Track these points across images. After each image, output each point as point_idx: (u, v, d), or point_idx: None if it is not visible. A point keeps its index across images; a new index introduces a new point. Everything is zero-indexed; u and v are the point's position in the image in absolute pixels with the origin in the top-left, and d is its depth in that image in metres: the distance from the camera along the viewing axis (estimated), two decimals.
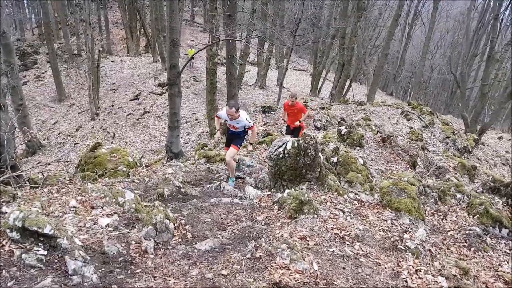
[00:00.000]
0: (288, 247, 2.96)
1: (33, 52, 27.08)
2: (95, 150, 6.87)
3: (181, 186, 4.85)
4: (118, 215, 3.66)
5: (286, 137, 4.96)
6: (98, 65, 21.96)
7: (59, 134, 19.89)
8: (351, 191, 4.82)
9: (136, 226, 3.47)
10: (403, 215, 4.20)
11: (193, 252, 3.10)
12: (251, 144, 6.55)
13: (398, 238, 3.66)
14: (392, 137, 10.19)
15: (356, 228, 3.67)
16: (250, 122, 5.51)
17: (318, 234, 3.37)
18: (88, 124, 20.20)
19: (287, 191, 4.17)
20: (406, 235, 3.77)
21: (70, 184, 5.45)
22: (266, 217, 3.92)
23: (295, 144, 4.50)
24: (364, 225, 3.82)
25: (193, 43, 32.46)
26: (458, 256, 3.79)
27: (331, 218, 3.75)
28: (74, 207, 3.85)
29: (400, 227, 4.01)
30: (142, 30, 30.84)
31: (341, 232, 3.51)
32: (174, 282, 2.65)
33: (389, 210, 4.31)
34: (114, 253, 2.96)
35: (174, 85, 10.62)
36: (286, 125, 8.10)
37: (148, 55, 29.98)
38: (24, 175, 5.08)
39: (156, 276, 2.75)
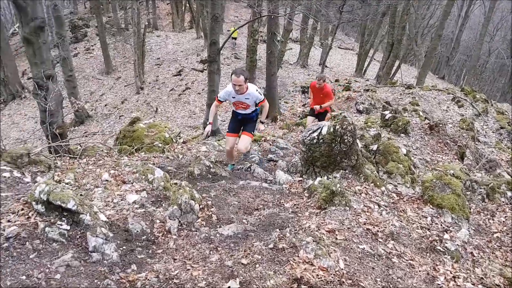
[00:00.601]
0: (313, 240, 2.79)
1: (83, 25, 28.08)
2: (134, 125, 7.00)
3: (211, 166, 4.79)
4: (147, 192, 3.66)
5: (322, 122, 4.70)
6: (143, 40, 22.37)
7: (105, 105, 20.70)
8: (390, 183, 4.51)
9: (163, 205, 3.45)
10: (445, 213, 3.86)
11: (216, 236, 3.03)
12: (262, 123, 5.27)
13: (437, 238, 3.37)
14: (440, 125, 9.49)
15: (392, 224, 3.42)
16: (261, 95, 4.59)
17: (348, 228, 3.17)
18: (133, 98, 20.81)
19: (318, 179, 3.97)
20: (446, 235, 3.46)
21: (106, 157, 5.60)
22: (295, 205, 3.76)
23: (331, 130, 4.25)
24: (401, 221, 3.56)
25: (236, 19, 32.10)
26: (503, 262, 3.44)
27: (365, 212, 3.51)
28: (106, 180, 3.91)
29: (441, 225, 3.69)
30: (187, 5, 30.88)
31: (374, 227, 3.28)
32: (192, 267, 2.59)
33: (430, 206, 3.98)
34: (137, 231, 2.96)
35: (213, 62, 10.55)
36: (310, 107, 7.45)
37: (192, 31, 30.09)
38: (63, 145, 5.25)
39: (176, 259, 2.71)
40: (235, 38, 24.76)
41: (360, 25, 25.57)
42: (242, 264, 2.58)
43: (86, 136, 15.15)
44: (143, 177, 3.78)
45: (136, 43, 21.08)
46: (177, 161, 5.54)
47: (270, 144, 7.06)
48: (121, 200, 3.38)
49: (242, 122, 4.93)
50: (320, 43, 25.83)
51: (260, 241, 2.88)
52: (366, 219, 3.38)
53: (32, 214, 2.52)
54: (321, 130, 4.34)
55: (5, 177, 3.21)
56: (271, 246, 2.77)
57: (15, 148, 3.82)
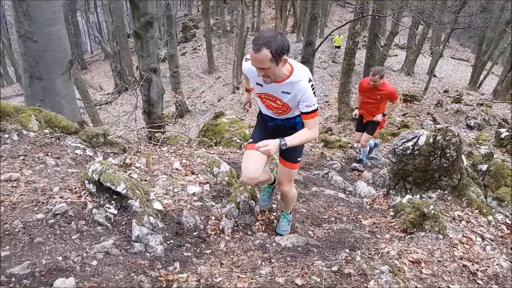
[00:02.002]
0: (390, 271, 2.21)
1: (193, 26, 30.22)
2: (217, 119, 7.02)
3: None
4: (210, 185, 3.45)
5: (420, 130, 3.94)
6: (244, 42, 23.04)
7: (204, 102, 21.87)
8: (500, 212, 3.57)
9: (223, 201, 3.19)
10: None
11: (272, 245, 2.63)
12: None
13: None
14: None
15: (497, 264, 2.61)
16: (312, 98, 2.23)
17: (438, 261, 2.48)
18: (228, 96, 21.58)
19: (408, 196, 3.29)
20: None
21: (186, 147, 5.63)
22: (374, 223, 3.16)
23: (431, 140, 3.51)
24: (510, 261, 2.71)
25: (341, 22, 31.15)
26: None
27: (463, 244, 2.75)
28: (176, 169, 3.82)
29: None
30: (292, 9, 31.03)
31: (473, 265, 2.53)
32: (239, 277, 2.24)
33: None
34: (190, 225, 2.73)
35: (307, 63, 10.16)
36: (358, 115, 5.46)
37: (294, 34, 30.11)
38: (146, 131, 5.40)
39: (223, 263, 2.40)
40: (338, 47, 23.64)
41: (478, 34, 22.48)
42: (296, 284, 2.15)
43: (183, 125, 16.10)
44: (209, 169, 3.58)
45: (238, 44, 21.83)
46: None
47: (357, 152, 6.38)
48: (182, 190, 3.21)
49: (274, 135, 2.50)
50: (430, 51, 23.47)
51: (322, 260, 2.40)
52: (463, 253, 2.64)
53: (84, 193, 2.45)
54: (418, 139, 3.62)
55: (76, 153, 3.28)
56: (334, 268, 2.27)
57: (93, 127, 3.96)
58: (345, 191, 4.19)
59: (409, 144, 3.68)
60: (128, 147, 4.12)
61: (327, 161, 5.59)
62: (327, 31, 28.48)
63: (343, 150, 6.50)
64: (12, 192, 2.61)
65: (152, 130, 5.85)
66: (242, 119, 7.06)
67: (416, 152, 3.59)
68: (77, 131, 3.74)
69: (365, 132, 5.40)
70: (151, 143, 5.50)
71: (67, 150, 3.46)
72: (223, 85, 23.43)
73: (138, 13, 7.38)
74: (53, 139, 3.54)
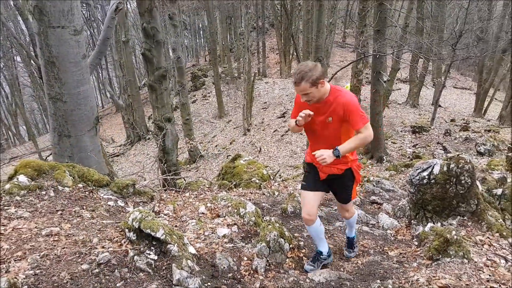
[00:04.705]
0: None
1: (202, 75, 31.50)
2: (235, 161, 7.24)
3: None
4: (238, 226, 3.59)
5: (433, 159, 4.09)
6: (252, 86, 23.88)
7: (216, 146, 22.30)
8: None
9: (252, 241, 3.32)
10: None
11: (305, 281, 2.74)
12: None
13: None
14: None
15: None
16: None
17: (466, 285, 2.55)
18: (240, 139, 22.01)
19: (429, 225, 3.39)
20: None
21: (208, 191, 5.82)
22: (400, 253, 3.25)
23: (444, 169, 3.66)
24: None
25: (342, 63, 32.17)
26: None
27: (488, 266, 2.82)
28: (202, 213, 3.99)
29: None
30: (295, 53, 32.32)
31: (500, 286, 2.59)
32: None
33: None
34: (224, 267, 2.86)
35: None
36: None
37: None
38: (169, 179, 5.64)
39: None
40: (347, 88, 24.15)
41: (477, 63, 22.99)
42: None
43: (197, 170, 16.37)
44: (235, 210, 3.75)
45: (246, 89, 22.66)
46: (272, 198, 5.44)
47: (374, 186, 6.48)
48: (212, 233, 3.37)
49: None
50: (432, 83, 23.93)
51: None
52: (489, 275, 2.70)
53: (124, 242, 2.62)
54: (433, 168, 3.77)
55: (109, 205, 3.49)
56: None
57: (122, 179, 4.19)
58: (368, 224, 4.28)
59: (425, 173, 3.82)
60: (159, 196, 4.32)
61: None
62: (330, 71, 29.39)
63: (360, 185, 6.61)
64: (55, 245, 2.79)
65: (174, 177, 6.08)
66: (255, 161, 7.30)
67: (432, 181, 3.73)
68: (108, 183, 3.98)
69: (339, 202, 3.12)
70: (173, 190, 5.71)
71: (101, 202, 3.68)
72: (234, 128, 23.96)
73: (152, 67, 7.91)
74: (86, 192, 3.78)
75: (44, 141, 26.22)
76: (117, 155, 22.97)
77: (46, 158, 17.84)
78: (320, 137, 2.79)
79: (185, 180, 6.20)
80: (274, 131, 21.04)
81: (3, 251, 2.61)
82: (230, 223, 3.62)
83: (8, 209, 3.10)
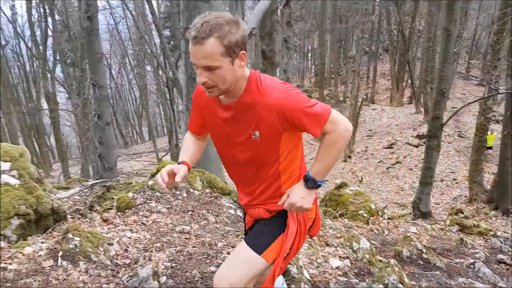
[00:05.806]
0: None
1: (307, 96, 31.95)
2: (340, 189, 7.07)
3: (424, 250, 4.18)
4: (350, 261, 3.48)
5: None
6: (358, 112, 23.25)
7: None
8: None
9: (366, 280, 3.18)
10: None
11: None
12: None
13: None
14: None
15: None
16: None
17: None
18: (339, 165, 21.49)
19: None
20: None
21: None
22: None
23: None
24: None
25: (464, 96, 29.25)
26: None
27: None
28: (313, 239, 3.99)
29: None
30: (410, 81, 30.54)
31: None
32: None
33: None
34: None
35: (434, 137, 9.76)
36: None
37: (411, 106, 29.25)
38: None
39: None
40: (490, 148, 16.34)
41: None
42: None
43: None
44: (348, 244, 3.64)
45: (352, 114, 22.16)
46: (382, 236, 5.15)
47: (502, 242, 5.66)
48: (324, 262, 3.33)
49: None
50: None
51: None
52: None
53: None
54: None
55: (230, 213, 3.75)
56: None
57: None
58: (496, 286, 3.75)
59: None
60: None
61: (468, 249, 5.09)
62: (450, 104, 26.93)
63: (483, 238, 5.85)
64: (186, 243, 3.08)
65: None
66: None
67: None
68: (230, 192, 4.27)
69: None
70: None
71: (223, 209, 3.96)
72: None
73: None
74: (212, 198, 4.11)
75: (161, 142, 29.34)
76: None
77: (161, 158, 19.97)
78: (243, 170, 1.64)
79: None
80: (379, 161, 20.05)
81: (145, 240, 2.99)
82: (342, 256, 3.54)
83: (150, 203, 3.54)
